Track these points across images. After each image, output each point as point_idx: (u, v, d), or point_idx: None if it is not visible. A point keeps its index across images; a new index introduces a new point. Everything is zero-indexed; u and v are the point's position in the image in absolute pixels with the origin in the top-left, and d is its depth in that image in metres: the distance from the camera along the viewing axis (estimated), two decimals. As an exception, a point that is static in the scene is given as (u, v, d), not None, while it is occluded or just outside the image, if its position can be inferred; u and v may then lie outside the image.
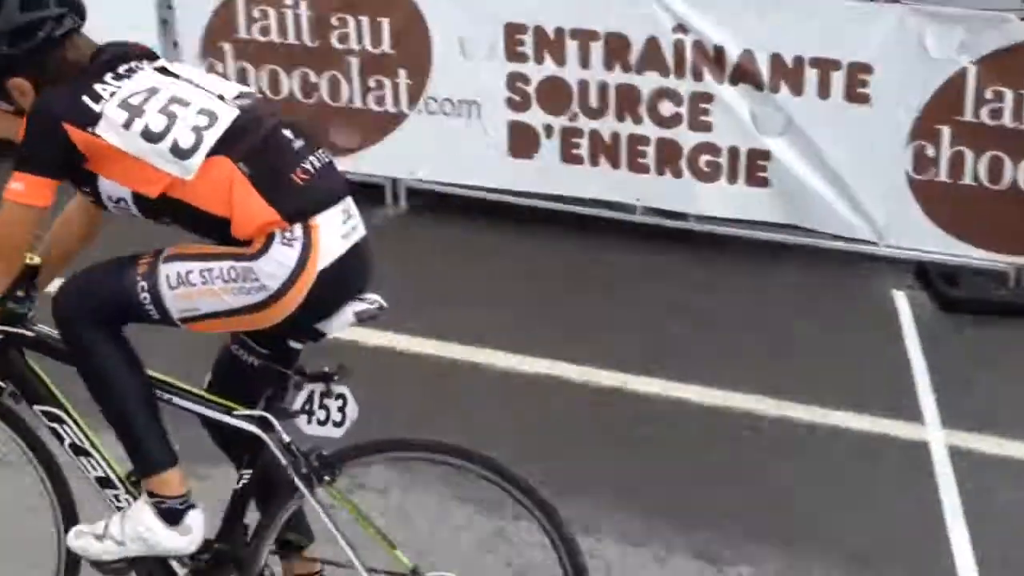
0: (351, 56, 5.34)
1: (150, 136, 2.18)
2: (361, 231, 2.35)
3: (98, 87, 2.20)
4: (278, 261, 2.20)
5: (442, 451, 2.36)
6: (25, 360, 2.43)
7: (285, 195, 2.21)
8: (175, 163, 2.18)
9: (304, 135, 2.32)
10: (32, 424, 2.50)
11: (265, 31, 5.42)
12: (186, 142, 2.19)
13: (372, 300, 2.33)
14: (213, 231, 2.25)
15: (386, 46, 5.28)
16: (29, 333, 2.40)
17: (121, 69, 2.26)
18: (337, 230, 2.27)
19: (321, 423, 2.34)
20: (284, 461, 2.32)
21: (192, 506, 2.36)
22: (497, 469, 2.31)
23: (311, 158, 2.28)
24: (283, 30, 5.39)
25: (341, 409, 2.34)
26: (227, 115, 2.24)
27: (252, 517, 2.40)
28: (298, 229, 2.21)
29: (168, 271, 2.24)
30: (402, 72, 5.30)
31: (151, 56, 2.36)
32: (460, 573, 2.44)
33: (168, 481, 2.33)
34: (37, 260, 2.40)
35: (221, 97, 2.29)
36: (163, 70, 2.32)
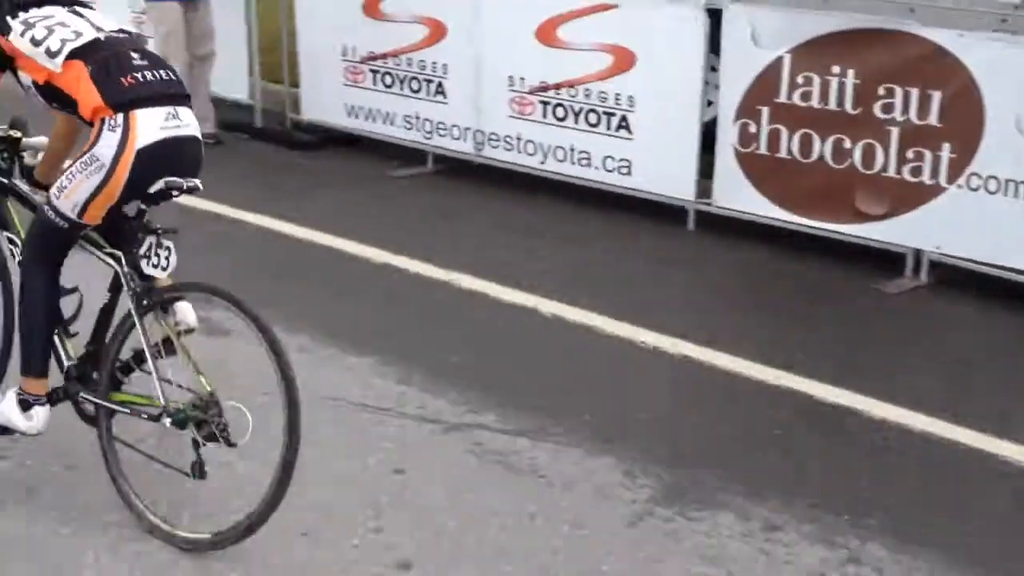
0: (891, 126, 5.38)
1: (35, 42, 3.31)
2: (189, 132, 3.30)
3: (19, 12, 3.38)
4: (107, 144, 3.20)
5: (214, 293, 3.33)
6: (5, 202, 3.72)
7: (114, 91, 3.22)
8: (49, 60, 3.29)
9: (150, 59, 3.35)
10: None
11: (806, 96, 5.61)
12: (55, 48, 3.28)
13: (189, 180, 3.27)
14: (75, 112, 3.31)
15: (933, 118, 5.28)
16: (5, 182, 3.69)
17: (43, 6, 3.41)
18: (156, 123, 3.23)
19: (154, 266, 3.34)
20: (127, 287, 3.39)
21: (44, 404, 3.49)
22: (238, 303, 3.25)
23: (146, 72, 3.28)
24: (824, 96, 5.55)
25: (167, 258, 3.35)
26: (90, 35, 3.32)
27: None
28: (120, 118, 3.20)
29: (55, 189, 3.34)
30: (946, 145, 5.27)
31: (77, 3, 3.49)
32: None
33: (36, 385, 3.47)
34: (18, 134, 3.65)
35: (100, 29, 3.37)
36: (73, 10, 3.43)
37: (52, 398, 3.53)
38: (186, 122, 3.32)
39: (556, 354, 4.80)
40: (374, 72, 7.26)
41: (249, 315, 3.24)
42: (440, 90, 7.01)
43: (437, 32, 6.91)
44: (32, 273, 3.45)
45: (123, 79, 3.24)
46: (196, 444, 3.27)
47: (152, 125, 3.23)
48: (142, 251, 3.33)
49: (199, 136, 3.39)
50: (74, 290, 3.61)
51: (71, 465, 3.71)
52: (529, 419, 4.15)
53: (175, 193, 3.27)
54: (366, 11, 7.18)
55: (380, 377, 4.44)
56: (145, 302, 3.35)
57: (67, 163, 3.40)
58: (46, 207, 3.39)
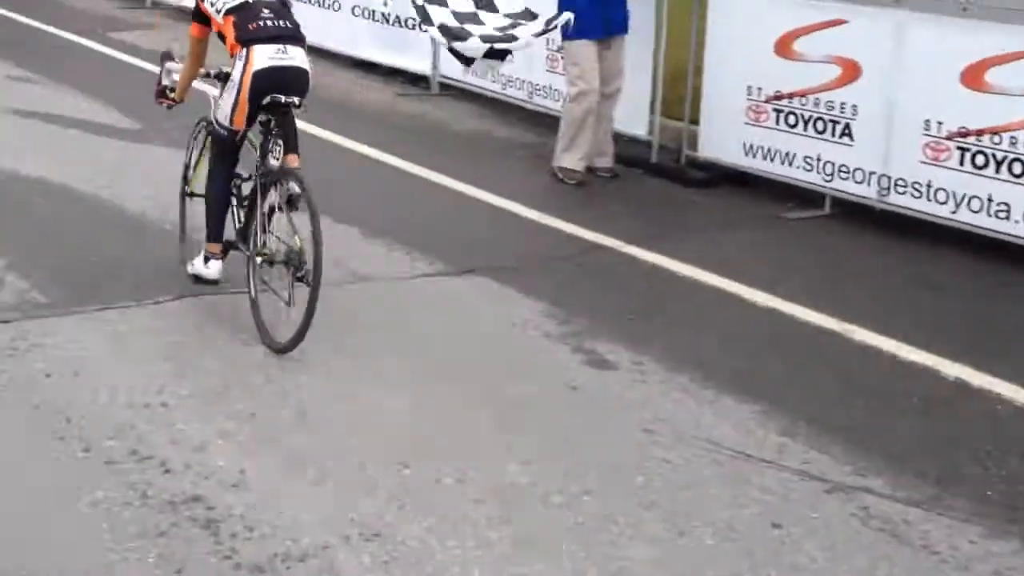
0: None
1: (212, 5, 4.86)
2: (294, 63, 4.74)
3: None
4: (237, 69, 4.74)
5: (299, 180, 4.61)
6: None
7: (243, 32, 4.73)
8: (217, 16, 4.84)
9: (276, 12, 4.83)
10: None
11: None
12: (219, 8, 4.82)
13: (290, 96, 4.69)
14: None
15: None
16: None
17: None
18: (267, 55, 4.69)
19: (274, 159, 4.77)
20: (255, 171, 4.92)
21: (219, 259, 5.15)
22: (300, 181, 4.59)
23: (268, 21, 4.76)
24: None
25: (279, 153, 4.74)
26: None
27: None
28: (244, 51, 4.71)
29: (213, 108, 4.97)
30: None
31: None
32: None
33: (213, 247, 5.11)
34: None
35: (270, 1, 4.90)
36: None
37: (225, 251, 5.15)
38: (292, 56, 4.76)
39: (956, 423, 4.40)
40: (778, 112, 7.09)
41: (309, 200, 4.55)
42: (846, 132, 6.71)
43: (850, 72, 6.64)
44: (214, 168, 5.08)
45: (250, 25, 4.76)
46: (291, 283, 4.62)
47: (264, 56, 4.72)
48: (268, 147, 4.80)
49: (304, 67, 4.80)
50: (249, 178, 5.04)
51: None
52: (922, 488, 3.83)
53: (282, 102, 4.69)
54: (777, 50, 7.03)
55: (762, 427, 4.26)
56: (264, 181, 4.82)
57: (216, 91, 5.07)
58: (213, 122, 5.01)
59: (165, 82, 5.31)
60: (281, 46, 4.72)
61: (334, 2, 10.75)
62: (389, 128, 8.70)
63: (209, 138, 5.14)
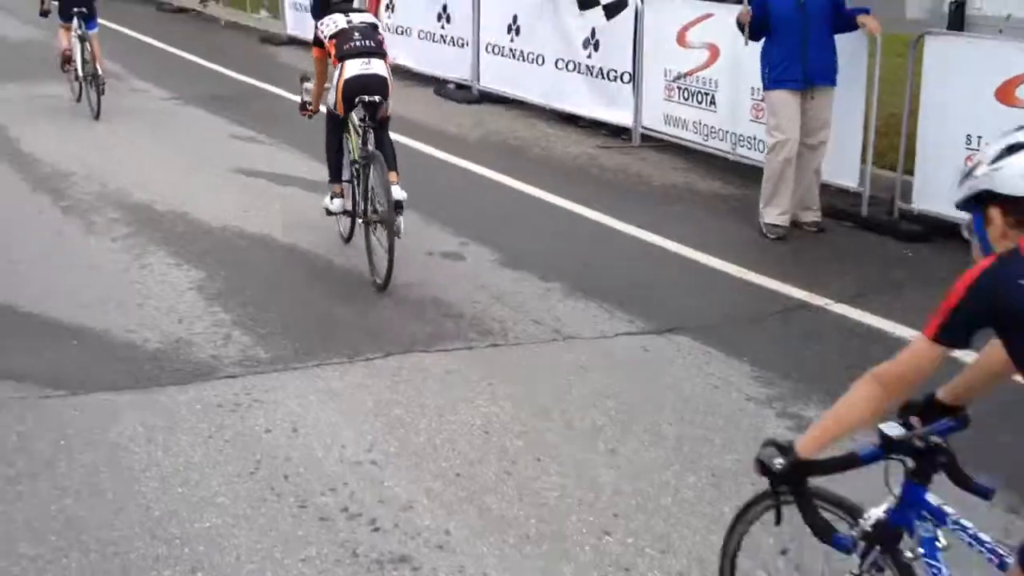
0: None
1: (323, 33, 6.50)
2: (374, 71, 6.28)
3: (323, 16, 6.63)
4: (336, 77, 6.39)
5: (380, 161, 6.38)
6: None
7: (339, 51, 6.31)
8: (327, 40, 6.48)
9: (363, 34, 6.34)
10: None
11: None
12: (328, 33, 6.45)
13: (373, 96, 6.25)
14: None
15: None
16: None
17: (330, 12, 6.57)
18: (355, 67, 6.24)
19: (367, 144, 6.62)
20: (360, 150, 6.72)
21: (340, 197, 6.82)
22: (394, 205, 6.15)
23: (357, 41, 6.30)
24: None
25: (369, 140, 6.53)
26: (341, 25, 6.43)
27: None
28: (340, 65, 6.31)
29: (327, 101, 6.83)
30: None
31: (346, 9, 6.65)
32: None
33: (335, 187, 6.82)
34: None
35: (349, 21, 6.46)
36: (340, 9, 6.56)
37: (343, 194, 6.82)
38: (374, 67, 6.32)
39: None
40: (997, 162, 6.75)
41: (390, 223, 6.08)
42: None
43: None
44: (329, 134, 6.79)
45: (344, 46, 6.35)
46: (390, 238, 6.05)
47: (353, 68, 6.30)
48: (362, 133, 6.45)
49: (383, 74, 6.35)
50: (374, 155, 6.42)
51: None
52: None
53: (366, 100, 6.28)
54: (1000, 97, 6.71)
55: (993, 505, 4.02)
56: (365, 158, 6.41)
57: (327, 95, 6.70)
58: (324, 107, 6.80)
59: (306, 98, 6.93)
60: (366, 59, 6.32)
61: (538, 56, 10.96)
62: (590, 181, 8.77)
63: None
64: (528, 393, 4.95)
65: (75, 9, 10.61)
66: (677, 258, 6.92)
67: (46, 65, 12.28)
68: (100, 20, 11.01)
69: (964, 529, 2.59)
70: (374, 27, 6.55)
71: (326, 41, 6.47)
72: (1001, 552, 2.53)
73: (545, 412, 4.80)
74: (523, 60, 11.17)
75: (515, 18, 11.21)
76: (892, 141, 7.76)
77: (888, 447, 2.61)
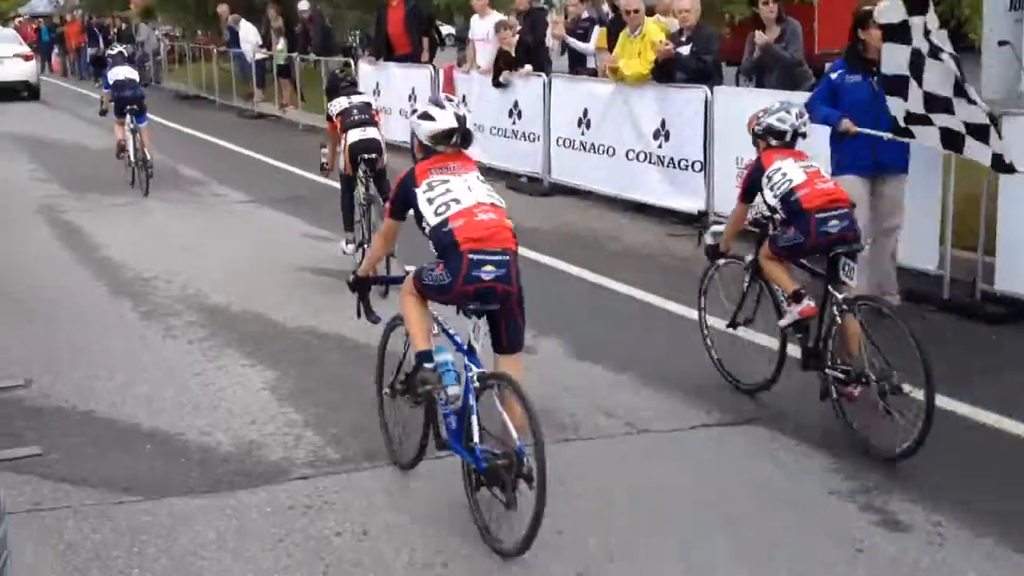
0: None
1: (332, 111, 8.66)
2: (370, 135, 8.27)
3: (334, 98, 8.89)
4: (343, 144, 8.34)
5: None
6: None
7: (343, 124, 8.37)
8: (334, 117, 8.57)
9: (361, 110, 8.39)
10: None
11: None
12: (333, 112, 8.59)
13: (370, 154, 8.24)
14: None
15: None
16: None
17: (339, 95, 8.74)
18: (356, 134, 8.24)
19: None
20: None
21: (351, 243, 8.69)
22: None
23: (356, 115, 8.34)
24: None
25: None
26: (344, 105, 8.46)
27: None
28: (344, 134, 8.34)
29: (338, 165, 8.77)
30: None
31: (351, 93, 8.79)
32: None
33: (348, 235, 8.68)
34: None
35: (351, 102, 8.47)
36: (347, 93, 8.66)
37: (354, 238, 8.59)
38: (369, 133, 8.22)
39: None
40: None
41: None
42: None
43: None
44: (344, 194, 8.48)
45: (347, 120, 8.24)
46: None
47: (354, 135, 8.18)
48: (365, 182, 8.28)
49: (376, 137, 8.24)
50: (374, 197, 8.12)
51: None
52: None
53: (366, 157, 8.14)
54: (1083, 173, 6.54)
55: None
56: (367, 200, 8.29)
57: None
58: (339, 170, 8.51)
59: (323, 160, 8.79)
60: (363, 128, 8.24)
61: (608, 148, 11.02)
62: (659, 270, 8.72)
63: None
64: (604, 485, 4.85)
65: (128, 107, 12.65)
66: (750, 345, 6.78)
67: (122, 172, 13.05)
68: (183, 128, 11.56)
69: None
70: (368, 105, 8.57)
71: (334, 118, 8.45)
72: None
73: (621, 506, 4.69)
74: (593, 152, 11.24)
75: (585, 111, 11.32)
76: (970, 224, 7.58)
77: None
